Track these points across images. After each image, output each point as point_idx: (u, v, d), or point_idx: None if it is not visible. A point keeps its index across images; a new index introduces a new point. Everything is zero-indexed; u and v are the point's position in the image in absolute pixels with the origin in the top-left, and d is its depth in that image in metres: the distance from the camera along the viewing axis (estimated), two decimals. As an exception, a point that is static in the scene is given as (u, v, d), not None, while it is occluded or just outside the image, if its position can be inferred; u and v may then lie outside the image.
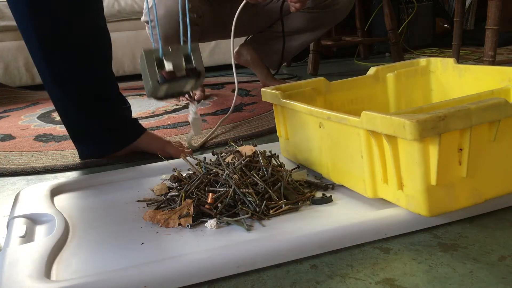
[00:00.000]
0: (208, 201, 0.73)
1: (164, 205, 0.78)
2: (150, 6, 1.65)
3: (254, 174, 0.76)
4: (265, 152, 0.86)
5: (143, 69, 0.77)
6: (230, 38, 1.52)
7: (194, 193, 0.76)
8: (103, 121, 1.11)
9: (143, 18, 1.73)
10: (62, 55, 1.04)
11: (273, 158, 0.87)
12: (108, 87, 1.12)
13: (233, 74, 1.37)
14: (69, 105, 1.09)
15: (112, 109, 1.12)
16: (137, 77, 2.62)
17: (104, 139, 1.13)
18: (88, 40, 1.07)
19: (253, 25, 1.84)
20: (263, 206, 0.72)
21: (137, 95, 2.14)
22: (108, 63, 1.12)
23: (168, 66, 0.76)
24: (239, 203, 0.72)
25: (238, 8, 1.51)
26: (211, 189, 0.76)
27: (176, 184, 0.83)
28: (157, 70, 0.76)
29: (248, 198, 0.73)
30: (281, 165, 0.87)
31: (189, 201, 0.74)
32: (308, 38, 1.87)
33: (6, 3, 1.01)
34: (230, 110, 1.41)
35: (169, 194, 0.80)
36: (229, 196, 0.73)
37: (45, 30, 1.02)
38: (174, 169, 0.89)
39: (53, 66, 1.05)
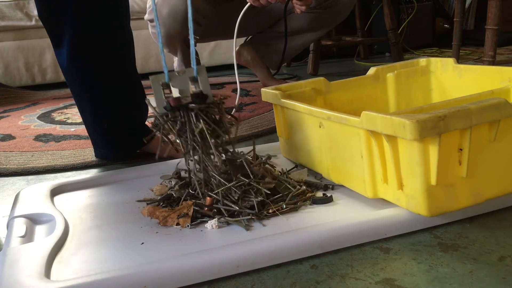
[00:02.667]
0: (206, 203, 0.73)
1: (164, 205, 0.78)
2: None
3: (255, 179, 0.76)
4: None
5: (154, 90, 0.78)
6: (232, 38, 1.52)
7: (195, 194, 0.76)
8: (118, 128, 1.11)
9: (146, 16, 1.73)
10: (87, 57, 1.03)
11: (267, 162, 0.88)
12: (131, 94, 1.11)
13: (233, 74, 1.37)
14: (88, 109, 1.08)
15: (129, 116, 1.12)
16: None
17: (118, 146, 1.13)
18: (113, 40, 1.06)
19: (254, 26, 1.84)
20: (256, 203, 0.72)
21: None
22: (133, 69, 1.12)
23: (175, 92, 0.76)
24: (239, 202, 0.73)
25: (240, 7, 1.51)
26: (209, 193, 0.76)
27: (177, 186, 0.83)
28: (164, 97, 0.76)
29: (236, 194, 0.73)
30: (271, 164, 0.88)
31: (189, 202, 0.74)
32: (310, 38, 1.86)
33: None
34: (233, 111, 1.41)
35: (169, 192, 0.80)
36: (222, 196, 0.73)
37: (69, 28, 1.00)
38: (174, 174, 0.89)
39: (78, 69, 1.04)
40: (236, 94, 1.49)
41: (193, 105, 0.74)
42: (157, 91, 0.76)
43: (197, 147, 0.73)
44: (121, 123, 1.10)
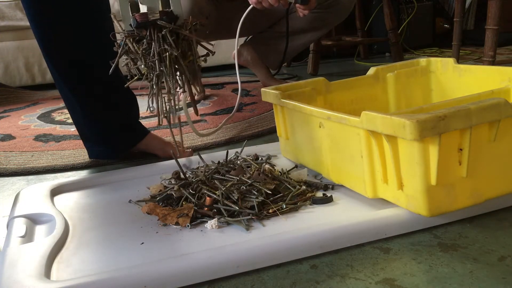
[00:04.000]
0: (207, 203, 0.73)
1: (164, 205, 0.78)
2: None
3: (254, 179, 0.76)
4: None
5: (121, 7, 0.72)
6: (232, 38, 1.52)
7: (196, 196, 0.76)
8: (110, 124, 1.11)
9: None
10: (68, 58, 1.04)
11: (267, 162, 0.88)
12: (116, 91, 1.11)
13: (233, 74, 1.37)
14: (78, 107, 1.09)
15: (119, 112, 1.12)
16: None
17: (111, 142, 1.13)
18: (95, 41, 1.06)
19: (254, 26, 1.85)
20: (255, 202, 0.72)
21: (138, 95, 2.14)
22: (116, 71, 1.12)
23: (143, 9, 0.71)
24: (239, 202, 0.73)
25: (240, 7, 1.51)
26: (208, 193, 0.76)
27: (176, 186, 0.83)
28: (130, 14, 0.70)
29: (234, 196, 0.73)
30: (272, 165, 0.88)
31: (190, 205, 0.74)
32: (310, 38, 1.87)
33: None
34: (234, 110, 1.41)
35: (169, 192, 0.80)
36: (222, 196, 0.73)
37: (46, 31, 1.01)
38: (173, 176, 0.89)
39: (59, 67, 1.04)
40: (236, 94, 1.49)
41: (162, 22, 0.67)
42: (123, 8, 0.70)
43: (162, 73, 0.66)
44: (112, 121, 1.11)
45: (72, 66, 1.05)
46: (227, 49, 2.75)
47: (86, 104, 1.08)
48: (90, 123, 1.11)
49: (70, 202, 0.88)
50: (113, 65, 0.71)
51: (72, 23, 1.02)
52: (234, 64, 1.51)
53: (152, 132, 1.19)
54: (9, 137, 1.50)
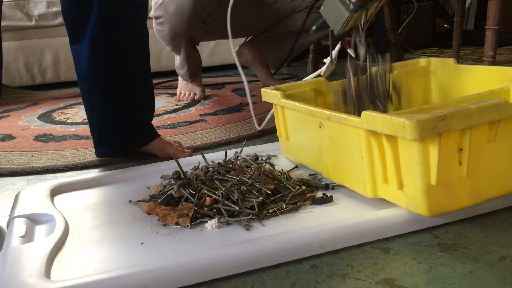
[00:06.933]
0: (207, 203, 0.73)
1: (163, 203, 0.78)
2: (160, 2, 1.66)
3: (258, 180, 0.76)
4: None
5: (333, 5, 0.81)
6: (234, 37, 1.52)
7: (196, 196, 0.76)
8: (127, 123, 1.11)
9: (151, 13, 1.73)
10: (106, 51, 1.05)
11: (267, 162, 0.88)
12: (143, 92, 1.13)
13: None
14: (100, 103, 1.09)
15: (138, 113, 1.13)
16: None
17: (123, 140, 1.14)
18: (131, 38, 1.08)
19: (255, 26, 1.85)
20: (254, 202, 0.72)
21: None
22: (148, 67, 1.13)
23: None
24: (239, 202, 0.73)
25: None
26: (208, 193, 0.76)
27: (176, 185, 0.83)
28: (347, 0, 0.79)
29: (234, 197, 0.73)
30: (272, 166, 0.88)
31: (190, 205, 0.74)
32: (313, 38, 1.87)
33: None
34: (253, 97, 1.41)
35: (169, 192, 0.80)
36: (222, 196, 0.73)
37: (93, 22, 1.02)
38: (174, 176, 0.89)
39: (101, 54, 1.05)
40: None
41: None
42: None
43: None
44: (129, 118, 1.11)
45: (116, 55, 1.06)
46: (227, 49, 2.75)
47: (111, 99, 1.08)
48: (108, 118, 1.10)
49: (70, 202, 0.88)
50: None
51: (116, 13, 1.04)
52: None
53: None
54: (9, 137, 1.50)
